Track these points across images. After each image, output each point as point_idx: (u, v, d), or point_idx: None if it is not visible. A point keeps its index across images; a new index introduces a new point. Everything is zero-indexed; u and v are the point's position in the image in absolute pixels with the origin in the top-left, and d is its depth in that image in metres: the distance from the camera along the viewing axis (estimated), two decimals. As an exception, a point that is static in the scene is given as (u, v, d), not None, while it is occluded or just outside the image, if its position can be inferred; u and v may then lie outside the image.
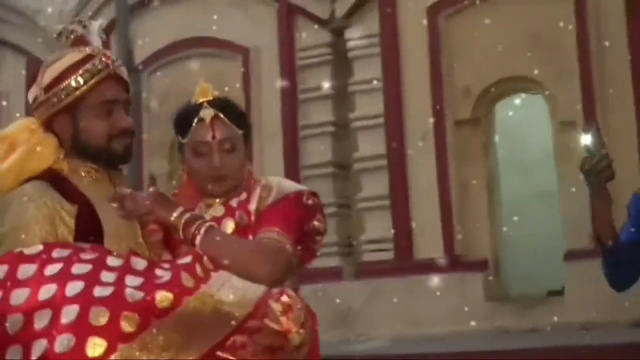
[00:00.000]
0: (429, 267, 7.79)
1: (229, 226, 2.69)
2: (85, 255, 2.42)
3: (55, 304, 2.28)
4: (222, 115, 2.72)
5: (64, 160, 2.62)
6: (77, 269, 2.36)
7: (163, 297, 2.31)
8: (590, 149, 3.16)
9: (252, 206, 2.71)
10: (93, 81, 2.61)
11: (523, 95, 8.31)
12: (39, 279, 2.33)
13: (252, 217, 2.70)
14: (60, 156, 2.62)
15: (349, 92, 8.71)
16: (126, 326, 2.26)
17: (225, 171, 2.70)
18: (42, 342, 2.25)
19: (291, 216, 2.66)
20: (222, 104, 2.76)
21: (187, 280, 2.38)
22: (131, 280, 2.35)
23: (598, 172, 3.20)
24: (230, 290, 2.40)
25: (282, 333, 2.44)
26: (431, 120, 8.12)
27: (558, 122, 7.74)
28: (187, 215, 2.58)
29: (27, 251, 2.41)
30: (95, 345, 2.24)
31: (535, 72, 7.66)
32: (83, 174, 2.64)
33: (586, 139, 3.15)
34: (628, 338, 6.85)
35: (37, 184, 2.55)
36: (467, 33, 8.03)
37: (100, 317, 2.26)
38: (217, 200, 2.74)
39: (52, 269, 2.35)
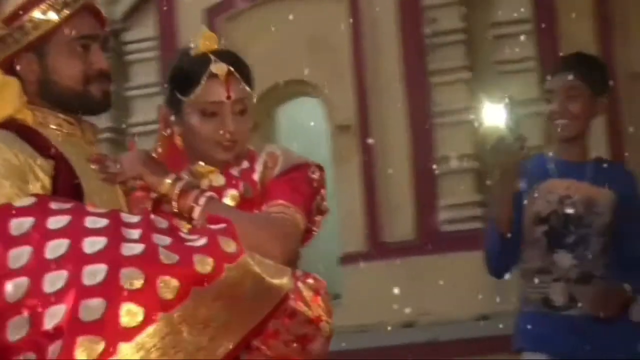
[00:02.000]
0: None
1: (231, 197, 2.39)
2: (93, 209, 2.00)
3: (71, 263, 1.84)
4: (235, 72, 2.39)
5: (29, 109, 2.22)
6: (91, 222, 1.93)
7: (203, 261, 1.90)
8: (504, 127, 3.01)
9: (257, 176, 2.43)
10: (66, 12, 2.19)
11: (303, 99, 8.30)
12: (42, 234, 1.88)
13: (258, 188, 2.41)
14: (23, 103, 2.21)
15: (126, 97, 8.48)
16: (165, 292, 1.83)
17: (238, 136, 2.39)
18: (58, 309, 1.81)
19: (301, 189, 2.38)
20: (232, 58, 2.43)
21: (227, 245, 1.97)
22: (160, 240, 1.94)
23: (511, 153, 3.08)
24: (265, 264, 2.02)
25: (314, 321, 2.22)
26: (211, 125, 7.94)
27: (334, 126, 7.76)
28: (182, 183, 2.29)
29: (18, 203, 1.96)
30: (130, 313, 1.81)
31: (311, 75, 7.66)
32: (53, 126, 2.25)
33: (500, 116, 2.96)
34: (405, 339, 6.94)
35: (2, 134, 2.13)
36: (247, 36, 7.95)
37: (134, 279, 1.83)
38: (213, 168, 2.41)
39: (56, 222, 1.91)
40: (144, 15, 8.45)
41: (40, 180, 2.09)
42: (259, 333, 2.03)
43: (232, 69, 2.40)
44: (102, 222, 1.94)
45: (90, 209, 2.03)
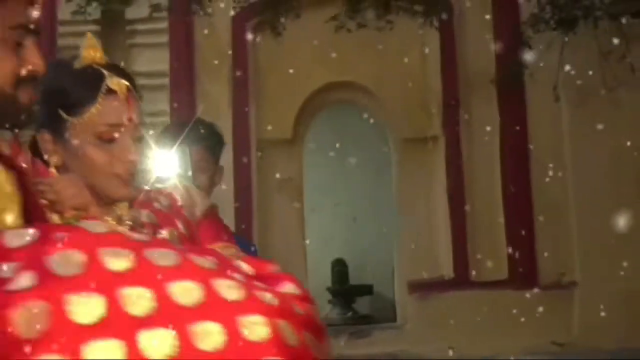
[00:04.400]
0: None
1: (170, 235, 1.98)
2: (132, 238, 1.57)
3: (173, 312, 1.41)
4: (132, 89, 1.97)
5: None
6: (158, 256, 1.51)
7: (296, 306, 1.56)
8: None
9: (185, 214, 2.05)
10: None
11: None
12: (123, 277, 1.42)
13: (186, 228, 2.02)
14: None
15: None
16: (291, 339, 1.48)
17: (137, 168, 1.97)
18: None
19: (223, 227, 2.18)
20: (125, 73, 2.00)
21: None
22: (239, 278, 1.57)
23: None
24: None
25: None
26: None
27: None
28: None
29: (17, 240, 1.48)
30: None
31: None
32: None
33: None
34: None
35: None
36: None
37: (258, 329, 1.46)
38: (118, 206, 1.97)
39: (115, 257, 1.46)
40: None
41: (11, 197, 1.67)
42: None
43: (130, 85, 1.97)
44: (170, 258, 1.52)
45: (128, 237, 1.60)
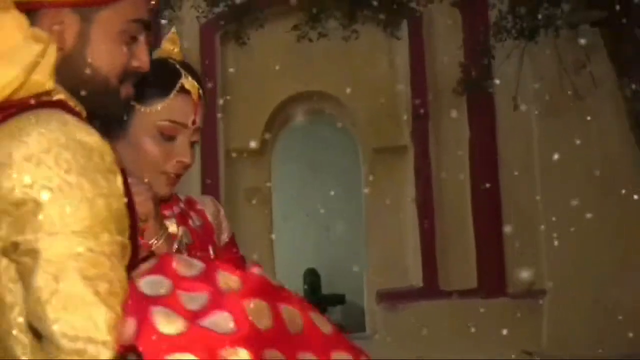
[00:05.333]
0: None
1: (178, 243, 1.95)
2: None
3: None
4: (202, 95, 1.95)
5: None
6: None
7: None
8: None
9: (214, 226, 2.07)
10: None
11: None
12: None
13: (212, 238, 2.05)
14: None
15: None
16: None
17: (185, 170, 1.96)
18: None
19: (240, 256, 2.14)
20: (195, 74, 1.98)
21: None
22: None
23: None
24: None
25: None
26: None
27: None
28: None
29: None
30: None
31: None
32: None
33: None
34: None
35: (61, 118, 1.44)
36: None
37: None
38: (167, 224, 1.94)
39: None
40: None
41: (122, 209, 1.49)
42: None
43: (200, 90, 1.95)
44: None
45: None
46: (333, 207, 9.51)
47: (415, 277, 8.18)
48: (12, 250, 1.36)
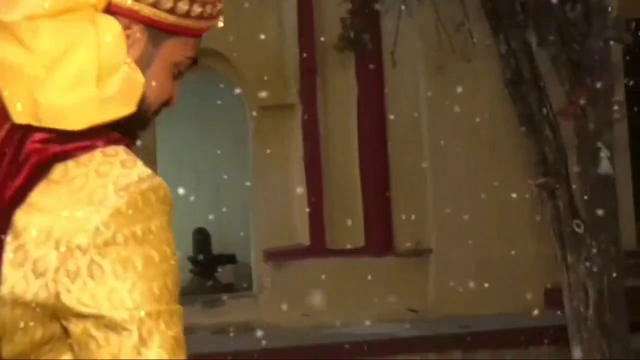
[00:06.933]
0: None
1: None
2: None
3: None
4: None
5: None
6: None
7: None
8: None
9: None
10: (202, 24, 1.55)
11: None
12: None
13: None
14: None
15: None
16: None
17: None
18: None
19: None
20: None
21: None
22: None
23: None
24: None
25: None
26: None
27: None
28: None
29: None
30: None
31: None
32: None
33: None
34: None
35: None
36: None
37: None
38: None
39: None
40: None
41: None
42: None
43: None
44: None
45: None
46: (222, 167, 9.42)
47: (302, 236, 8.15)
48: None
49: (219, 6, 1.60)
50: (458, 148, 7.88)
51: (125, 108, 1.42)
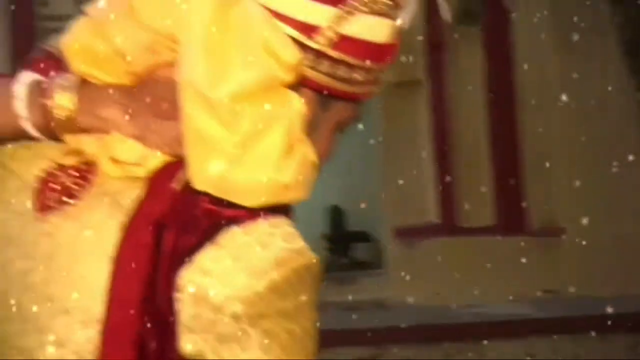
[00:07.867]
0: None
1: None
2: None
3: None
4: None
5: None
6: None
7: None
8: None
9: None
10: (372, 89, 1.51)
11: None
12: None
13: None
14: None
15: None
16: None
17: None
18: None
19: None
20: None
21: None
22: None
23: None
24: None
25: None
26: None
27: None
28: None
29: None
30: None
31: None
32: None
33: None
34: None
35: None
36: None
37: None
38: None
39: None
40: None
41: None
42: None
43: None
44: None
45: None
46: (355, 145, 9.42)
47: (433, 214, 8.08)
48: None
49: (386, 69, 1.52)
50: (589, 121, 7.65)
51: (301, 194, 1.41)
